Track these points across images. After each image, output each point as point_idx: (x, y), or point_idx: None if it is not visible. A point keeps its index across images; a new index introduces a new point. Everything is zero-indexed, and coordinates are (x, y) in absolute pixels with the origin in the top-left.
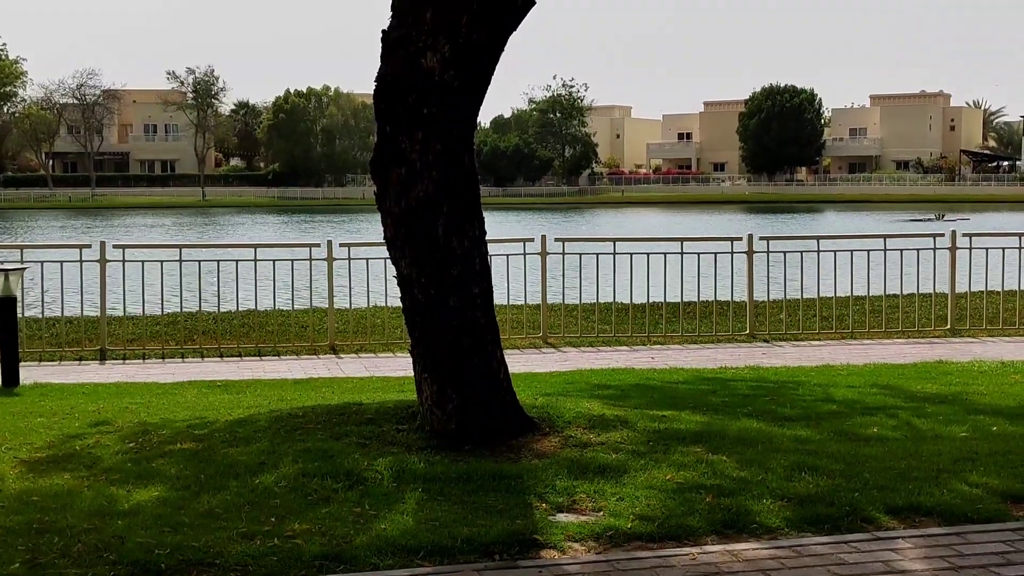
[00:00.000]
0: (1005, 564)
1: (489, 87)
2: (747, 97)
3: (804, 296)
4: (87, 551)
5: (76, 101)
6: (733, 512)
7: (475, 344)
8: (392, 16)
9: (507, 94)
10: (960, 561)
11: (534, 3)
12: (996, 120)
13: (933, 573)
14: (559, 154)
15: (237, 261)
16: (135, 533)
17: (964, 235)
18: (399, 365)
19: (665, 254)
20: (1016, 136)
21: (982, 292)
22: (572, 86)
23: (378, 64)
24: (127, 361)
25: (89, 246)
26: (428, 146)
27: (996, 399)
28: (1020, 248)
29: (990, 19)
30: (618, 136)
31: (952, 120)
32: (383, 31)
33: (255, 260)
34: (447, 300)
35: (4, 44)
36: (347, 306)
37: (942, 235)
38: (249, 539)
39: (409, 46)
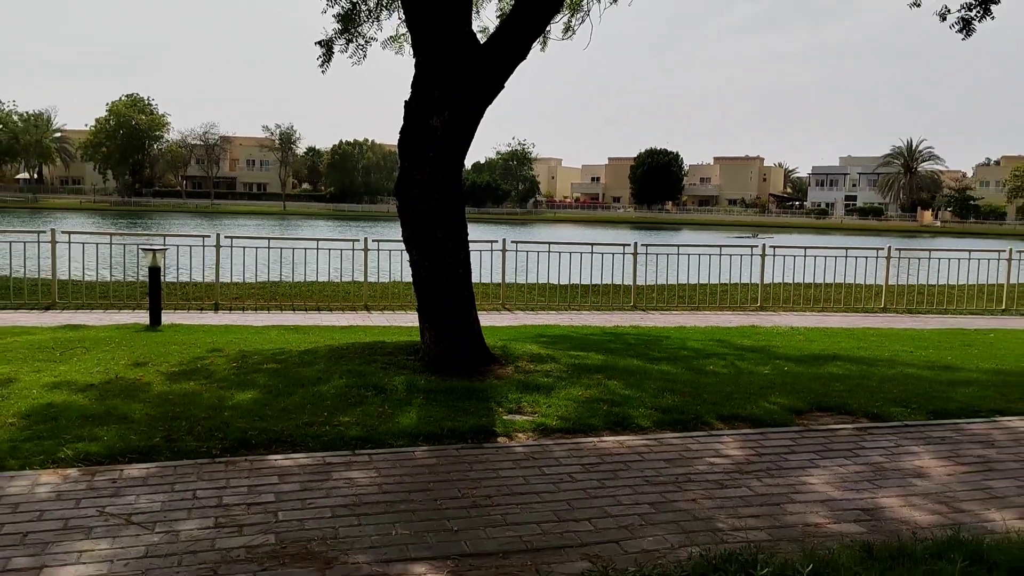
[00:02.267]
0: (790, 452)
1: (473, 140)
2: (636, 155)
3: (668, 282)
4: (204, 431)
5: (201, 143)
6: (620, 417)
7: (459, 306)
8: (412, 90)
9: (482, 148)
10: (762, 449)
11: (503, 87)
12: (792, 175)
13: (745, 456)
14: (515, 187)
15: (305, 249)
16: (236, 421)
17: (770, 247)
18: (408, 318)
19: (581, 253)
20: (804, 186)
21: (780, 283)
22: (524, 143)
23: (400, 122)
24: (232, 311)
25: (209, 236)
26: (433, 177)
27: (788, 351)
28: (804, 256)
29: (790, 104)
30: (553, 177)
31: (764, 174)
32: (405, 101)
33: (317, 249)
34: (441, 277)
35: (156, 102)
36: (376, 280)
37: (756, 246)
38: (310, 426)
39: (421, 111)
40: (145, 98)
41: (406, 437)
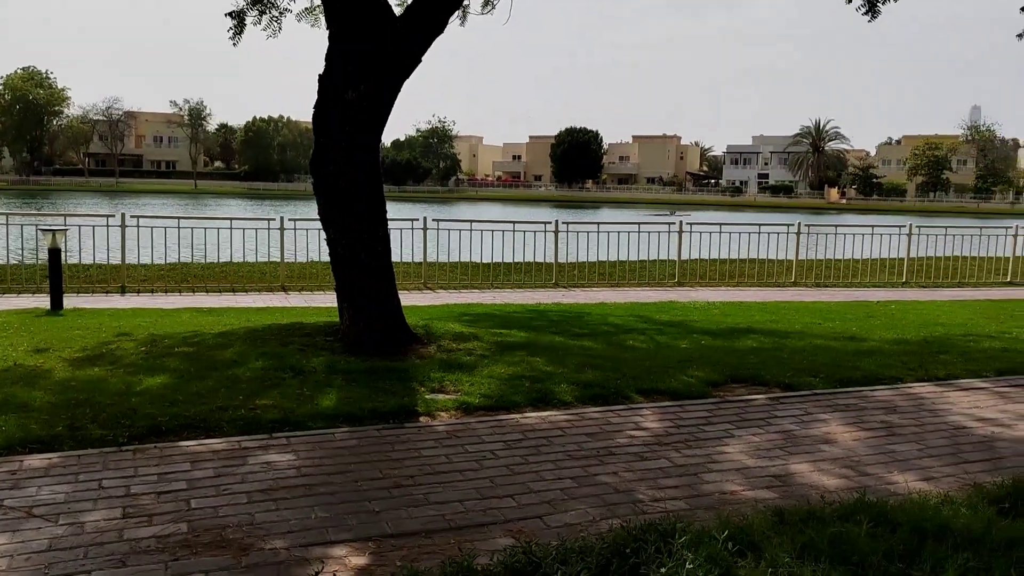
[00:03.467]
0: (707, 423)
1: (390, 115)
2: (556, 133)
3: (589, 259)
4: (110, 419)
5: (104, 118)
6: (543, 393)
7: (377, 285)
8: (325, 63)
9: (402, 125)
10: (680, 421)
11: (420, 61)
12: (708, 154)
13: (664, 427)
14: (436, 166)
15: (218, 229)
16: (145, 407)
17: (686, 224)
18: (327, 299)
19: (503, 231)
20: (719, 164)
21: (696, 259)
22: (444, 121)
23: (315, 97)
24: (140, 294)
25: (113, 216)
26: (349, 152)
27: (705, 324)
28: (719, 232)
29: (705, 84)
30: (474, 156)
31: (681, 153)
32: (320, 75)
33: (230, 228)
34: (359, 255)
35: (55, 76)
36: (293, 260)
37: (674, 224)
38: (224, 410)
39: (336, 85)
40: (43, 71)
41: (326, 419)
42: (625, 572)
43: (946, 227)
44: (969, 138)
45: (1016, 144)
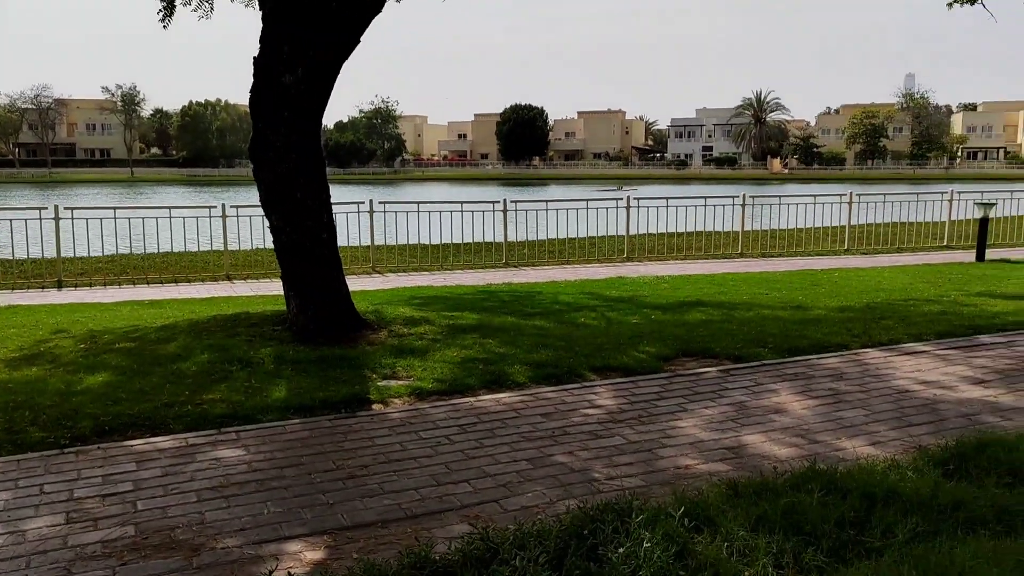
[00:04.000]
0: (660, 398)
1: (330, 96)
2: (502, 110)
3: (539, 238)
4: (51, 421)
5: (34, 107)
6: (496, 374)
7: (324, 271)
8: (260, 46)
9: (344, 106)
10: (634, 397)
11: (359, 42)
12: (653, 128)
13: (617, 404)
14: (381, 147)
15: (157, 219)
16: (86, 407)
17: (634, 199)
18: (275, 287)
19: (452, 212)
20: (664, 138)
21: (644, 233)
22: (388, 101)
23: (252, 81)
24: (78, 288)
25: (46, 208)
26: (288, 137)
27: (655, 299)
28: (666, 207)
29: (649, 58)
30: (419, 135)
31: (627, 127)
32: (254, 58)
33: (170, 217)
34: (304, 242)
35: None
36: (237, 248)
37: (621, 199)
38: (170, 407)
39: (272, 69)
40: None
41: (276, 411)
42: (583, 554)
43: (884, 194)
44: (904, 106)
45: (949, 110)
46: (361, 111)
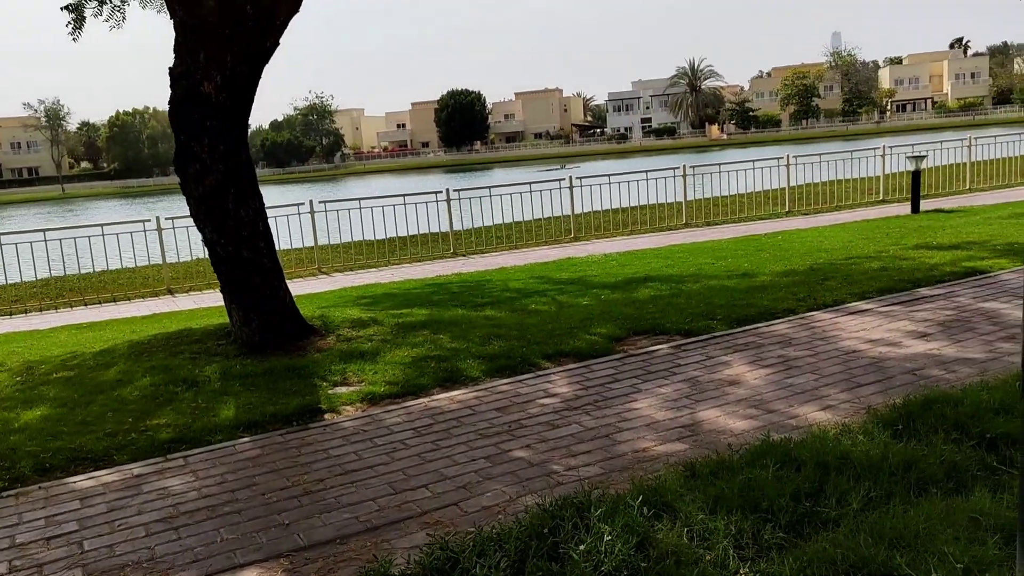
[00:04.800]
0: (614, 381)
1: (254, 101)
2: (439, 97)
3: (485, 224)
4: None
5: None
6: (449, 371)
7: (265, 281)
8: (175, 56)
9: (278, 105)
10: (588, 382)
11: (279, 44)
12: (591, 104)
13: (573, 391)
14: (319, 143)
15: (89, 237)
16: (25, 445)
17: (576, 178)
18: (218, 298)
19: (394, 205)
20: (603, 113)
21: (590, 212)
22: (322, 96)
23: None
24: (12, 316)
25: None
26: (214, 148)
27: (604, 278)
28: (608, 183)
29: (584, 35)
30: (357, 128)
31: (565, 105)
32: (169, 68)
33: (103, 235)
34: (241, 253)
35: None
36: (176, 260)
37: (564, 179)
38: (113, 436)
39: (190, 78)
40: None
41: (225, 431)
42: (544, 555)
43: (820, 154)
44: (833, 64)
45: (876, 65)
46: (296, 108)
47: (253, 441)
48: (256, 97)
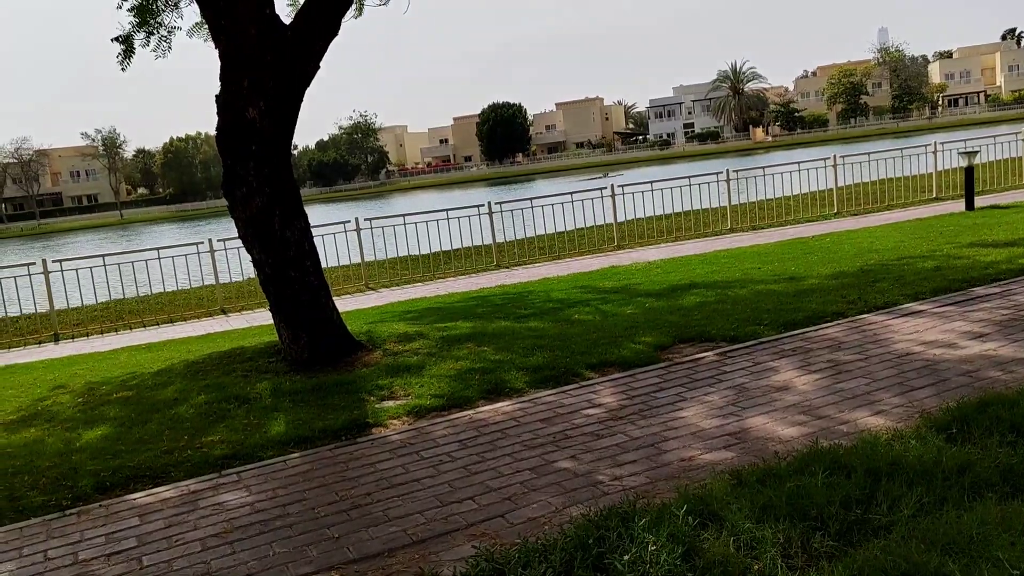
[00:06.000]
0: (659, 390)
1: (297, 124)
2: (480, 111)
3: (527, 235)
4: (50, 483)
5: (15, 160)
6: (494, 383)
7: (312, 298)
8: (221, 84)
9: (322, 124)
10: (633, 391)
11: (319, 67)
12: (632, 111)
13: (617, 400)
14: (364, 161)
15: (146, 261)
16: (86, 464)
17: (618, 186)
18: (269, 316)
19: (438, 220)
20: (644, 120)
21: (633, 219)
22: (366, 115)
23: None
24: (75, 339)
25: (34, 263)
26: (259, 171)
27: (648, 286)
28: (651, 190)
29: (620, 42)
30: (401, 145)
31: (606, 114)
32: (216, 96)
33: (159, 258)
34: (288, 272)
35: None
36: (228, 280)
37: (606, 187)
38: (170, 454)
39: (235, 104)
40: None
41: (276, 446)
42: (589, 565)
43: (868, 153)
44: (880, 60)
45: (926, 60)
46: (340, 128)
47: (303, 456)
48: (301, 118)
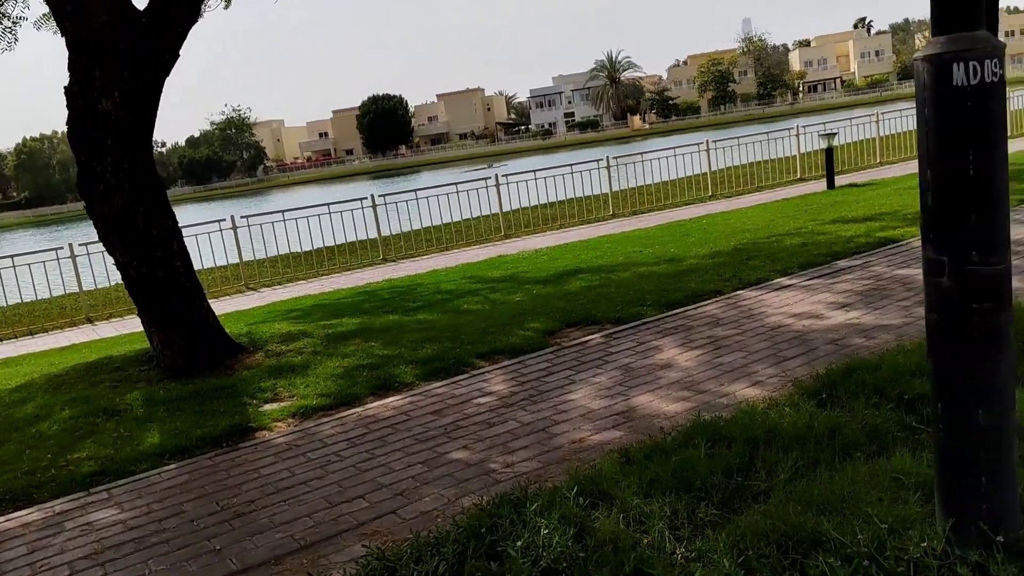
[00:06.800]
0: (548, 374)
1: (169, 121)
2: (360, 104)
3: (414, 228)
4: None
5: None
6: (383, 378)
7: (185, 301)
8: (70, 75)
9: (194, 120)
10: (523, 377)
11: (178, 56)
12: (514, 101)
13: (508, 387)
14: (240, 157)
15: (0, 269)
16: None
17: (502, 175)
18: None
19: (319, 215)
20: (526, 111)
21: (519, 208)
22: (239, 109)
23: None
24: None
25: None
26: (118, 166)
27: (535, 273)
28: (534, 179)
29: (502, 34)
30: (278, 140)
31: (488, 104)
32: (65, 87)
33: (13, 266)
34: (156, 274)
35: None
36: (94, 287)
37: (491, 177)
38: (31, 474)
39: (87, 96)
40: None
41: (151, 459)
42: (483, 554)
43: (737, 138)
44: (745, 50)
45: (786, 49)
46: (213, 123)
47: (180, 467)
48: (172, 115)
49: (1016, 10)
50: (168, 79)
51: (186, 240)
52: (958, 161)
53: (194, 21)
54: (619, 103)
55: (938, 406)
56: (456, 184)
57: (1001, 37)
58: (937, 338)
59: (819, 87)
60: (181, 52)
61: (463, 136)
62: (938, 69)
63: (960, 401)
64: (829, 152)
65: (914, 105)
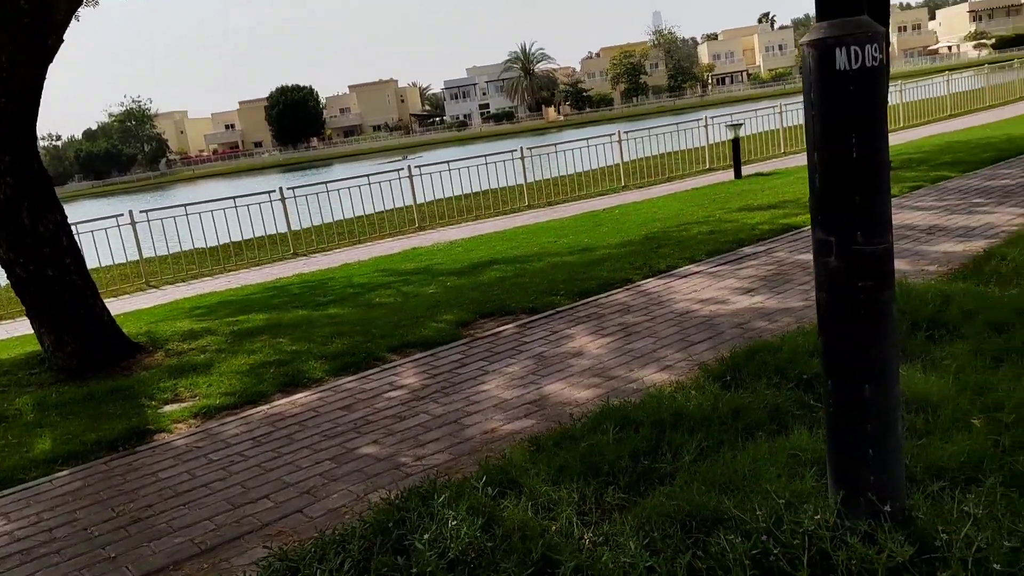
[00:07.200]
0: (461, 366)
1: (40, 105)
2: (268, 95)
3: (325, 221)
4: None
5: None
6: (290, 375)
7: (76, 299)
8: None
9: (91, 112)
10: (435, 370)
11: (62, 41)
12: (428, 93)
13: (420, 380)
14: (140, 150)
15: None
16: None
17: (416, 167)
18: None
19: (224, 209)
20: (440, 102)
21: (433, 200)
22: (139, 100)
23: None
24: None
25: None
26: None
27: (449, 265)
28: (448, 170)
29: (412, 25)
30: (182, 132)
31: (402, 96)
32: None
33: None
34: (45, 272)
35: None
36: None
37: (403, 169)
38: None
39: None
40: None
41: (41, 466)
42: (390, 549)
43: (649, 129)
44: (656, 43)
45: (695, 42)
46: (111, 115)
47: (73, 473)
48: (68, 106)
49: (908, 6)
50: (68, 72)
51: (81, 236)
52: (842, 145)
53: (78, 5)
54: (534, 95)
55: (828, 383)
56: (368, 176)
57: (894, 33)
58: (826, 316)
59: (727, 80)
60: (65, 38)
61: (377, 128)
62: (822, 54)
63: (848, 377)
64: (736, 143)
65: None
